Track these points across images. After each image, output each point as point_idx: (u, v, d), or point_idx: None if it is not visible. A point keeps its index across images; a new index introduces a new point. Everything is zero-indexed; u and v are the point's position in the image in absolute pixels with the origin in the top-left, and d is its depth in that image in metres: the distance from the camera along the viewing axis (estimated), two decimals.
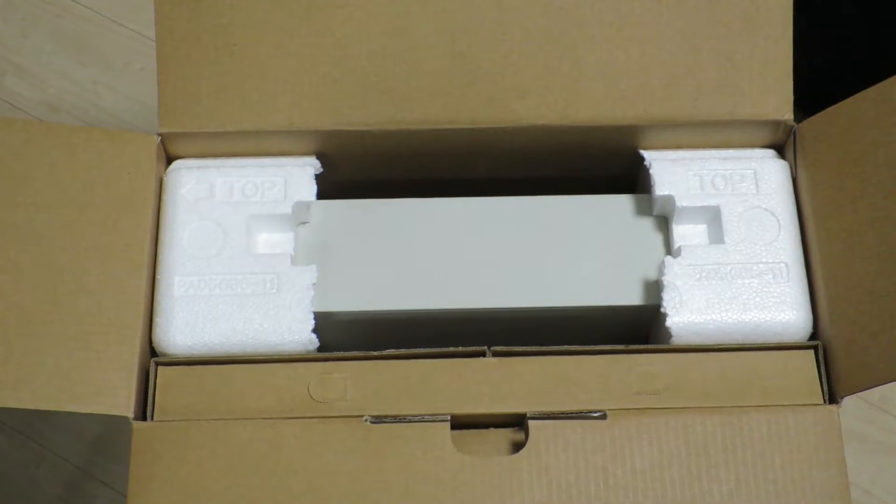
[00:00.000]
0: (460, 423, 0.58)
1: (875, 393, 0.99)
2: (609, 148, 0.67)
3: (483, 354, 0.59)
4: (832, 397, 0.58)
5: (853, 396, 0.58)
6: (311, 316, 0.61)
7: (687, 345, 0.60)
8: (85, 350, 0.57)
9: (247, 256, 0.62)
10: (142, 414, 0.58)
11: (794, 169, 0.65)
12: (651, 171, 0.65)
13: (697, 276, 0.62)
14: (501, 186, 0.69)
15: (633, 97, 0.64)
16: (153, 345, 0.61)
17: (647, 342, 0.67)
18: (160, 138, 0.64)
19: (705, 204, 0.64)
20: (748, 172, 0.65)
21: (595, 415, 0.57)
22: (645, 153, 0.66)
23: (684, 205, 0.64)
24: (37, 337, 0.57)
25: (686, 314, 0.61)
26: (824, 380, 0.59)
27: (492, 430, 0.59)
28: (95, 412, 0.56)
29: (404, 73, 0.64)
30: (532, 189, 0.68)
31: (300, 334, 0.60)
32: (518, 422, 0.58)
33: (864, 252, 0.58)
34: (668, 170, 0.65)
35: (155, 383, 0.59)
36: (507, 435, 0.58)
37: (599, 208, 0.66)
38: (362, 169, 0.69)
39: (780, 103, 0.64)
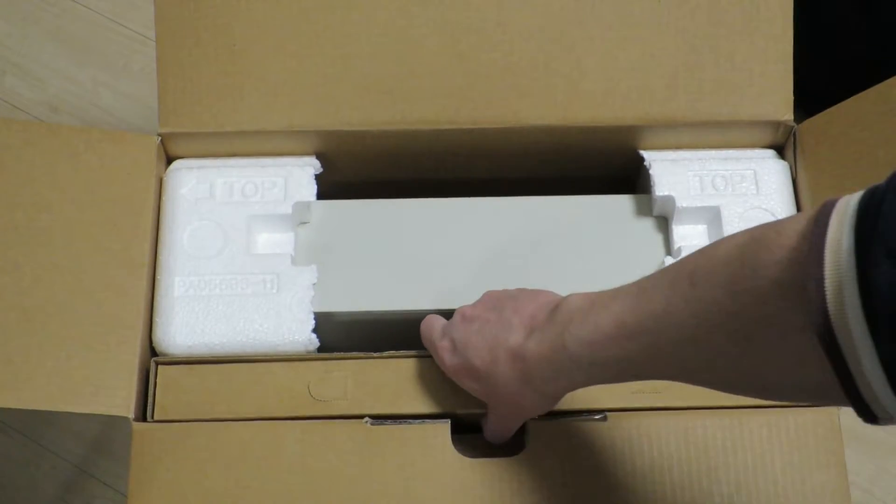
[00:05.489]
0: (460, 424, 0.58)
1: None
2: (609, 148, 0.67)
3: None
4: None
5: None
6: (312, 316, 0.61)
7: None
8: (85, 350, 0.57)
9: (247, 256, 0.62)
10: (142, 414, 0.58)
11: (794, 169, 0.65)
12: (651, 172, 0.65)
13: None
14: (501, 186, 0.69)
15: (633, 97, 0.64)
16: (153, 345, 0.61)
17: None
18: (160, 138, 0.64)
19: (705, 204, 0.64)
20: (748, 173, 0.65)
21: (596, 416, 0.57)
22: (645, 153, 0.66)
23: (684, 205, 0.64)
24: (37, 337, 0.57)
25: None
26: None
27: None
28: (95, 412, 0.56)
29: (404, 73, 0.64)
30: (532, 189, 0.68)
31: (300, 334, 0.60)
32: None
33: None
34: (668, 170, 0.65)
35: (155, 382, 0.59)
36: None
37: (599, 208, 0.66)
38: (362, 169, 0.69)
39: (780, 103, 0.64)
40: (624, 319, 0.44)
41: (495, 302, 0.54)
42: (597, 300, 0.47)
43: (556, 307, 0.49)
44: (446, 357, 0.54)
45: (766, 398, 0.42)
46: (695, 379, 0.44)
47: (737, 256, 0.39)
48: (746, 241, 0.39)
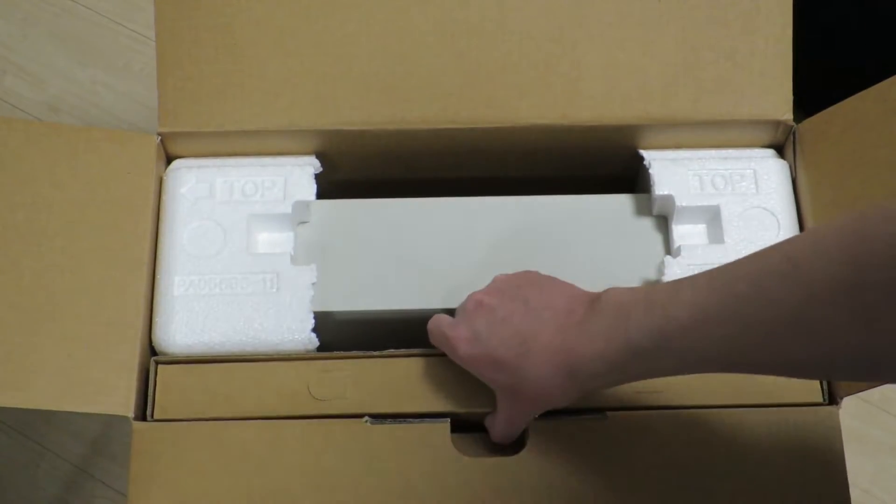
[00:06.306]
0: (460, 423, 0.58)
1: (875, 393, 0.99)
2: (609, 148, 0.67)
3: None
4: (832, 397, 0.58)
5: (853, 396, 0.58)
6: (311, 315, 0.61)
7: None
8: (85, 350, 0.57)
9: (247, 256, 0.62)
10: (142, 413, 0.58)
11: (794, 169, 0.65)
12: (651, 171, 0.65)
13: None
14: (501, 186, 0.69)
15: (633, 97, 0.64)
16: (153, 344, 0.61)
17: None
18: (160, 138, 0.64)
19: (705, 204, 0.64)
20: (748, 172, 0.65)
21: (596, 416, 0.57)
22: (645, 153, 0.66)
23: (684, 204, 0.64)
24: (37, 337, 0.57)
25: None
26: (824, 380, 0.59)
27: None
28: (95, 412, 0.56)
29: (404, 73, 0.64)
30: (532, 189, 0.68)
31: (300, 333, 0.60)
32: None
33: None
34: (668, 169, 0.65)
35: (155, 382, 0.59)
36: None
37: (599, 208, 0.66)
38: (362, 169, 0.69)
39: (780, 103, 0.64)
40: (705, 306, 0.43)
41: (514, 290, 0.54)
42: (651, 293, 0.46)
43: (595, 301, 0.49)
44: (462, 346, 0.54)
45: (861, 379, 0.41)
46: (780, 367, 0.43)
47: (846, 234, 0.39)
48: (853, 220, 0.39)
